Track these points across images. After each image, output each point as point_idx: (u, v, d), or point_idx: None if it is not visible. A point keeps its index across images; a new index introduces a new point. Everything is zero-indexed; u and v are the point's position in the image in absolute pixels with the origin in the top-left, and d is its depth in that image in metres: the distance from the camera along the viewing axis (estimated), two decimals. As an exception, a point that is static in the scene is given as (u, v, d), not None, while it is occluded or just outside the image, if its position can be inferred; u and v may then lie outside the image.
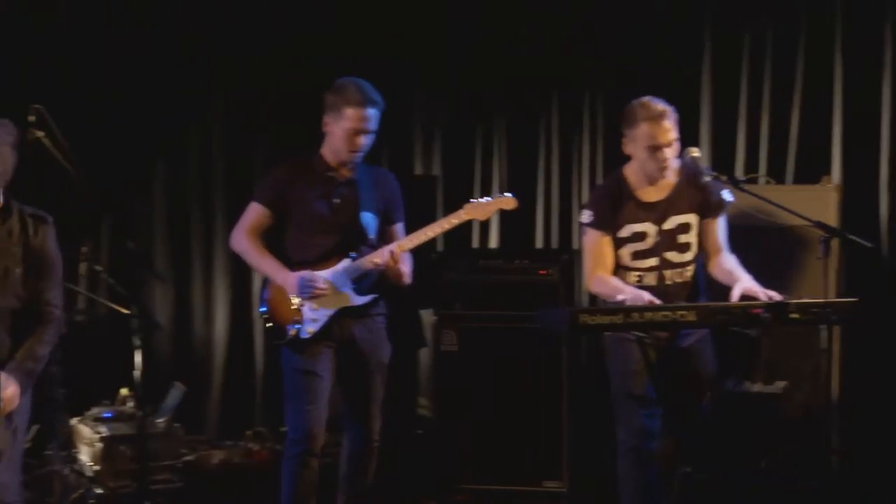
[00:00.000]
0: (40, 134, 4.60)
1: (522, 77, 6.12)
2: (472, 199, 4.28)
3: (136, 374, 4.92)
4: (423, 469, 5.37)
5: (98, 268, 5.38)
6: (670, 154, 4.10)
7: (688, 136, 4.30)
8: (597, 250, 4.22)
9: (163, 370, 6.02)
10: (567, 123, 6.09)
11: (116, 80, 6.06)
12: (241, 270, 6.21)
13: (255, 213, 4.29)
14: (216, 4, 6.21)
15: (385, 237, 4.32)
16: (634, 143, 4.14)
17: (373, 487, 4.40)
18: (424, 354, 6.11)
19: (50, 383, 4.84)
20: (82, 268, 5.24)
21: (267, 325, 4.30)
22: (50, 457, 4.91)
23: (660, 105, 4.10)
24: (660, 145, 4.07)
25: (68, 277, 4.91)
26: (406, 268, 4.25)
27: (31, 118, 4.58)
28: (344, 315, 4.22)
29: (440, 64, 6.24)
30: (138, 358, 4.89)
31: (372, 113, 4.17)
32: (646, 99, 4.14)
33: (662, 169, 4.12)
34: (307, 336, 4.19)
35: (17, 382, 3.62)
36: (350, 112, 4.15)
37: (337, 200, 4.24)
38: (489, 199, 4.28)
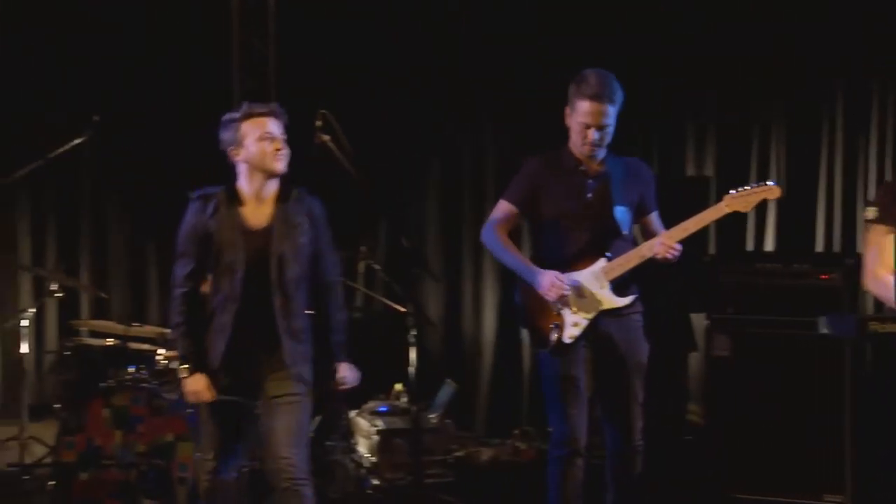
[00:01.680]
0: (326, 138, 4.82)
1: (801, 68, 5.86)
2: (731, 191, 4.03)
3: (411, 370, 5.06)
4: (692, 476, 5.25)
5: (376, 266, 5.58)
6: None
7: None
8: (879, 247, 3.95)
9: (435, 367, 6.18)
10: (852, 117, 5.79)
11: (393, 82, 6.26)
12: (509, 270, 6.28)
13: (504, 210, 4.21)
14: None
15: (640, 229, 4.19)
16: None
17: (641, 490, 4.30)
18: (695, 359, 5.97)
19: (331, 377, 5.06)
20: (361, 266, 5.43)
21: (525, 327, 4.21)
22: (332, 447, 5.13)
23: None
24: None
25: (348, 275, 5.15)
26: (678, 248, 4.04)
27: (318, 123, 4.81)
28: (603, 316, 4.10)
29: (706, 61, 6.08)
30: (413, 354, 5.03)
31: (605, 108, 4.01)
32: None
33: None
34: (569, 342, 4.08)
35: (349, 362, 3.94)
36: (583, 106, 4.02)
37: (589, 196, 4.11)
38: (750, 188, 4.03)
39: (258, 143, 3.83)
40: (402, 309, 5.23)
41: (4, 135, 5.60)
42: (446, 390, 5.70)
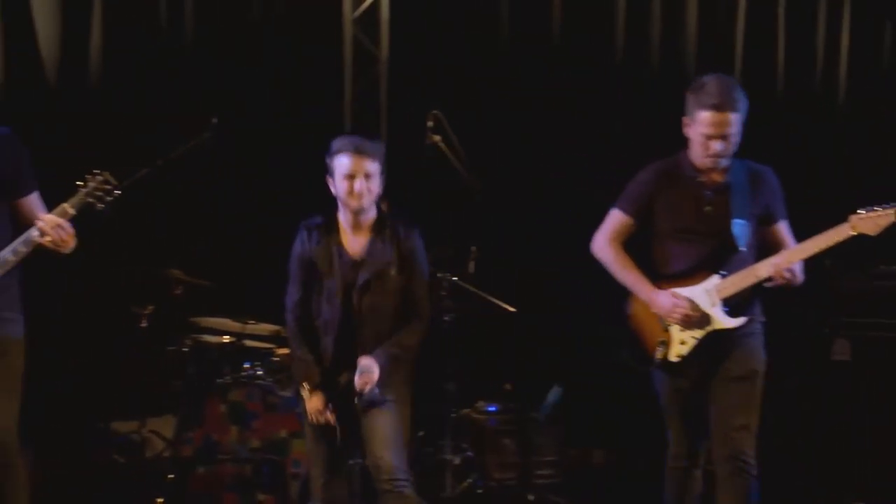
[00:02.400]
0: (437, 138, 4.87)
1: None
2: (858, 210, 3.74)
3: (519, 370, 5.05)
4: (812, 482, 5.13)
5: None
6: None
7: None
8: None
9: (543, 368, 6.13)
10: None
11: (502, 86, 6.24)
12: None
13: (617, 220, 4.06)
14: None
15: (765, 239, 3.98)
16: None
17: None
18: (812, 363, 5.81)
19: (442, 376, 5.09)
20: (471, 266, 5.43)
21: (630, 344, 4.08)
22: (442, 446, 5.15)
23: None
24: None
25: (459, 275, 5.15)
26: (797, 270, 3.86)
27: (430, 123, 4.86)
28: (713, 335, 3.91)
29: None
30: (521, 355, 5.03)
31: (728, 118, 3.80)
32: None
33: None
34: (676, 360, 3.94)
35: (377, 362, 3.84)
36: (703, 116, 3.82)
37: (708, 208, 3.92)
38: (880, 209, 3.71)
39: (341, 182, 3.92)
40: (512, 309, 5.22)
41: (119, 136, 5.72)
42: (555, 392, 5.67)
